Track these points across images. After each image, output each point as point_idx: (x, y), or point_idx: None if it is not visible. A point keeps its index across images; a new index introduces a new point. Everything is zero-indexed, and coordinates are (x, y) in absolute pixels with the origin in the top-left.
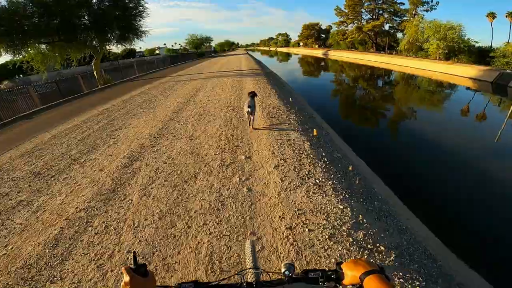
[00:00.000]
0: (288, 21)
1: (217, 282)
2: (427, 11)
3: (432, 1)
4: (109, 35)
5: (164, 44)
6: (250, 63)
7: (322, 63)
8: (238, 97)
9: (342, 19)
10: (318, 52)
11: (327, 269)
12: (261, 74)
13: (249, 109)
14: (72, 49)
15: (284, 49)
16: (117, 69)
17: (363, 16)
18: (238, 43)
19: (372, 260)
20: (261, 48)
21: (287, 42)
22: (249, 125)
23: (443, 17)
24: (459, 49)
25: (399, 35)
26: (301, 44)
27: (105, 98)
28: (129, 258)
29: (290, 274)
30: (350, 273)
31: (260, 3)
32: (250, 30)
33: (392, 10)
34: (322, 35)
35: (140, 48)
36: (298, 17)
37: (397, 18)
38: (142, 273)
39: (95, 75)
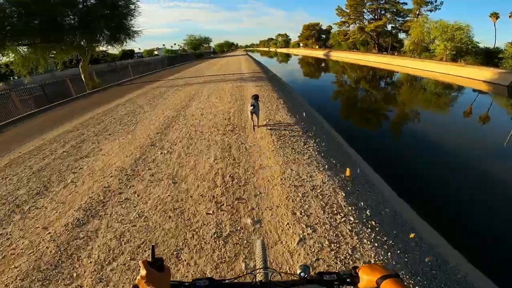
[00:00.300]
0: (288, 21)
1: (231, 280)
2: (431, 11)
3: (436, 1)
4: (97, 36)
5: (164, 45)
6: (250, 64)
7: (323, 64)
8: (239, 110)
9: (343, 19)
10: (319, 53)
11: (342, 272)
12: (264, 79)
13: (252, 107)
14: (57, 51)
15: (284, 50)
16: (114, 71)
17: (365, 16)
18: (237, 43)
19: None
20: (261, 48)
21: (286, 42)
22: (253, 126)
23: (445, 17)
24: (467, 50)
25: (402, 35)
26: (301, 44)
27: (90, 105)
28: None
29: (305, 276)
30: (366, 277)
31: (260, 3)
32: (249, 30)
33: (394, 10)
34: (323, 36)
35: (140, 49)
36: (298, 18)
37: (400, 18)
38: (158, 267)
39: (83, 78)
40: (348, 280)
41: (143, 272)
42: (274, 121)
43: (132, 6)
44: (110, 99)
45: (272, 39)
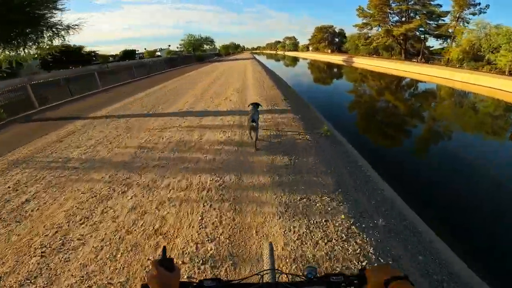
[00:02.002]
0: (293, 24)
1: (238, 281)
2: (474, 14)
3: (480, 4)
4: None
5: (169, 45)
6: (260, 78)
7: (357, 75)
8: None
9: (365, 21)
10: (336, 58)
11: (349, 274)
12: (310, 143)
13: (253, 124)
14: None
15: (294, 53)
16: (76, 79)
17: (389, 18)
18: (244, 46)
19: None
20: (267, 51)
21: (295, 45)
22: (254, 143)
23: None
24: None
25: (432, 41)
26: (310, 48)
27: None
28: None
29: (312, 277)
30: (374, 279)
31: (265, 6)
32: (254, 33)
33: (425, 12)
34: (336, 39)
35: (146, 49)
36: (302, 21)
37: (431, 22)
38: (168, 268)
39: None
40: (355, 282)
41: (153, 271)
42: None
43: None
44: None
45: (279, 42)
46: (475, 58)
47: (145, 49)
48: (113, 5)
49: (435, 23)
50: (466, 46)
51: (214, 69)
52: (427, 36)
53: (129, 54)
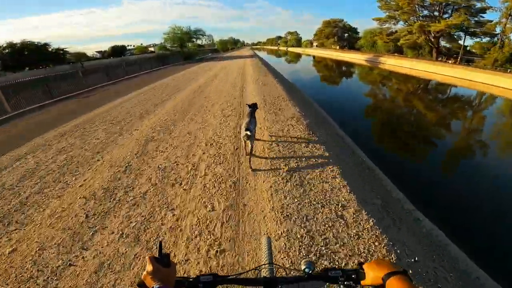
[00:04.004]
0: (294, 21)
1: (235, 276)
2: None
3: None
4: None
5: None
6: (274, 95)
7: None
8: None
9: (389, 14)
10: (356, 57)
11: (347, 268)
12: None
13: (247, 132)
14: None
15: (298, 50)
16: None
17: (419, 12)
18: (244, 41)
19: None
20: (268, 47)
21: (298, 41)
22: (246, 154)
23: None
24: None
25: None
26: (315, 44)
27: None
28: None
29: (310, 272)
30: (372, 274)
31: (267, 2)
32: (256, 29)
33: (465, 5)
34: (345, 35)
35: (142, 44)
36: (304, 19)
37: (472, 18)
38: (165, 263)
39: None
40: (353, 276)
41: (149, 267)
42: None
43: None
44: None
45: (280, 37)
46: None
47: (141, 43)
48: (113, 1)
49: (474, 19)
50: None
51: (196, 75)
52: (461, 34)
53: (118, 51)
